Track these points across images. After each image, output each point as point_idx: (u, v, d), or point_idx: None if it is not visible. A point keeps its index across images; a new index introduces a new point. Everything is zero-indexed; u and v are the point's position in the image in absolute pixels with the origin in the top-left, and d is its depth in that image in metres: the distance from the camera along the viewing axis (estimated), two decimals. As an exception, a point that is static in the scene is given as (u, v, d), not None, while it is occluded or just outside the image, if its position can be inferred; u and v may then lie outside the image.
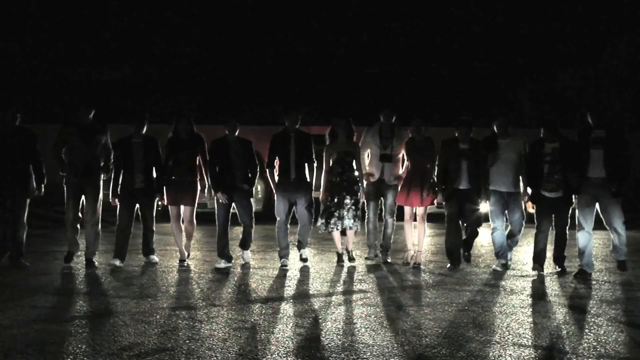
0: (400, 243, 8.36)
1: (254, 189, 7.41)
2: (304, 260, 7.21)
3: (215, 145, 7.22)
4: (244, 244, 7.38)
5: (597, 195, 6.67)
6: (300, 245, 7.30)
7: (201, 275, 6.73)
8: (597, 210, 6.73)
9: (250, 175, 7.24)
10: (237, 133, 7.21)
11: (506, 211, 7.10)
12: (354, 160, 7.14)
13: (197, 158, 7.26)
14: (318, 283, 6.35)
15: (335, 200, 7.04)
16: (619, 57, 12.72)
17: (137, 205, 7.22)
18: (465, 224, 7.18)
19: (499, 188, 7.02)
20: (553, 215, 6.88)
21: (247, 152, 7.23)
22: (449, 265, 7.19)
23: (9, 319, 4.79)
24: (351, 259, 7.32)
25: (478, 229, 7.21)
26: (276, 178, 7.27)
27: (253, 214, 7.33)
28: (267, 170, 7.37)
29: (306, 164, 7.23)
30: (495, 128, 7.15)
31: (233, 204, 7.24)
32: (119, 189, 7.15)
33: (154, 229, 7.32)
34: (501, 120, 7.13)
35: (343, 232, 7.23)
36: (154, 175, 7.21)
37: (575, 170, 6.70)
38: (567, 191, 6.77)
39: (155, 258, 7.33)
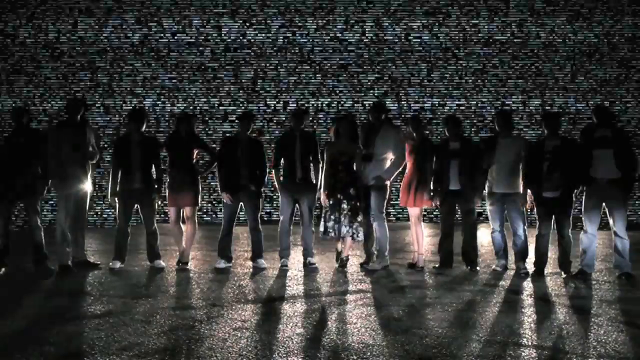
0: (400, 243, 8.36)
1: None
2: (310, 264, 7.16)
3: (224, 143, 7.22)
4: (254, 252, 7.26)
5: (604, 197, 6.53)
6: (307, 254, 7.26)
7: (201, 275, 6.73)
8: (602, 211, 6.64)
9: (258, 175, 7.16)
10: (249, 132, 7.20)
11: (505, 212, 7.02)
12: (353, 162, 6.97)
13: (195, 156, 7.26)
14: (318, 283, 6.35)
15: (331, 202, 6.96)
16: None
17: (137, 206, 7.15)
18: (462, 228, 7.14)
19: (496, 189, 6.93)
20: (553, 218, 6.77)
21: (257, 152, 7.17)
22: (436, 264, 7.21)
23: (9, 319, 4.79)
24: (342, 265, 7.11)
25: (475, 234, 7.05)
26: (281, 178, 7.26)
27: (258, 216, 7.26)
28: (273, 170, 7.34)
29: (312, 164, 7.19)
30: (495, 125, 7.03)
31: (241, 204, 7.20)
32: (117, 189, 7.05)
33: (157, 231, 7.22)
34: (502, 116, 7.00)
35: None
36: (153, 175, 7.10)
37: (578, 170, 6.58)
38: (566, 191, 6.64)
39: (161, 263, 7.17)
